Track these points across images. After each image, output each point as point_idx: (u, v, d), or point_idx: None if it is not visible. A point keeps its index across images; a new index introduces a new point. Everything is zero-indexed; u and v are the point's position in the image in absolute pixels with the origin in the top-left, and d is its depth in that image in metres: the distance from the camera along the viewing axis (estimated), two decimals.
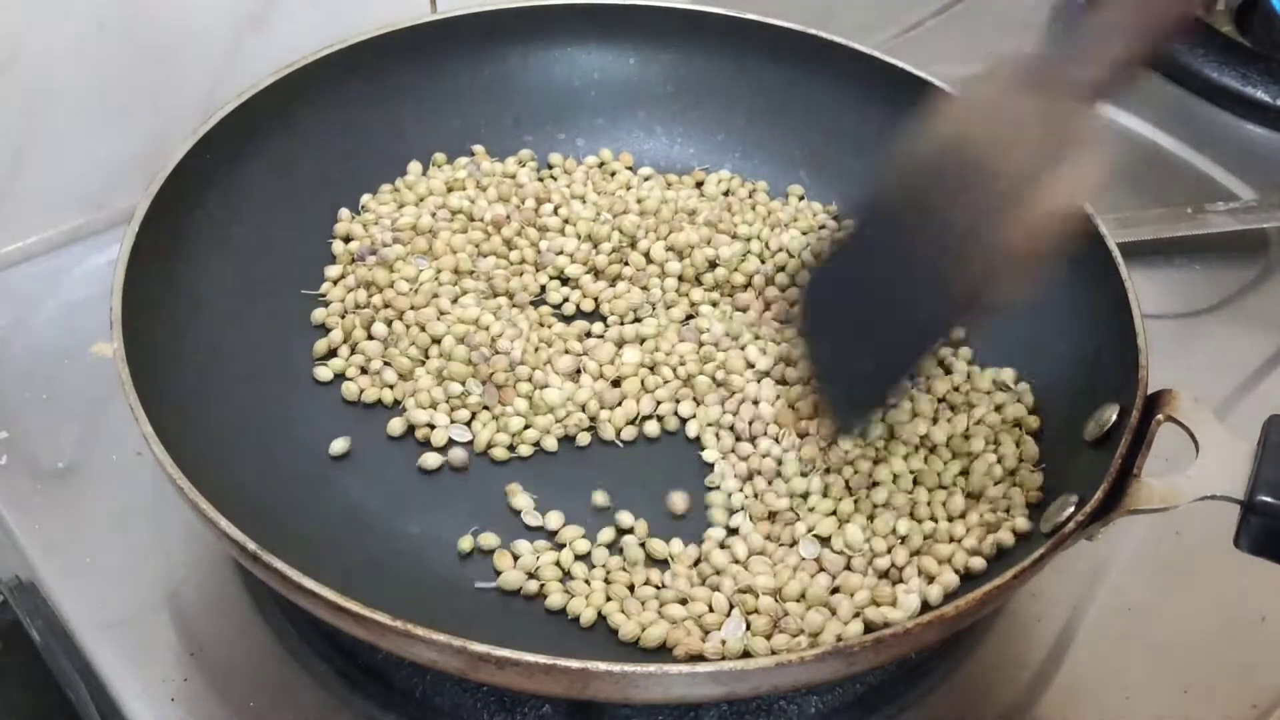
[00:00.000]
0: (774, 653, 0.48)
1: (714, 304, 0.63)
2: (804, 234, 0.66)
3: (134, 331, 0.52)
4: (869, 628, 0.50)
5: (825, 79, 0.68)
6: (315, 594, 0.44)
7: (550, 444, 0.58)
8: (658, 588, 0.52)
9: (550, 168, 0.70)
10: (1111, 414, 0.52)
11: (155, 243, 0.55)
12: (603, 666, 0.43)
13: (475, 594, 0.52)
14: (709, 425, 0.58)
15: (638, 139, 0.70)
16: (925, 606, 0.50)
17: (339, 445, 0.57)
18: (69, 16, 0.64)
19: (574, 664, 0.43)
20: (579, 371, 0.60)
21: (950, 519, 0.54)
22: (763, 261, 0.64)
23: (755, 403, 0.58)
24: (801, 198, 0.69)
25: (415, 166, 0.67)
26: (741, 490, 0.56)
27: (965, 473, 0.55)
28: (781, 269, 0.64)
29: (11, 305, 0.66)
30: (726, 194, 0.68)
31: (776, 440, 0.57)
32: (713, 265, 0.64)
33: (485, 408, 0.58)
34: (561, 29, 0.69)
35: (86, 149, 0.67)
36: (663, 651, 0.50)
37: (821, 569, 0.52)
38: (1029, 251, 0.41)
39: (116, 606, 0.54)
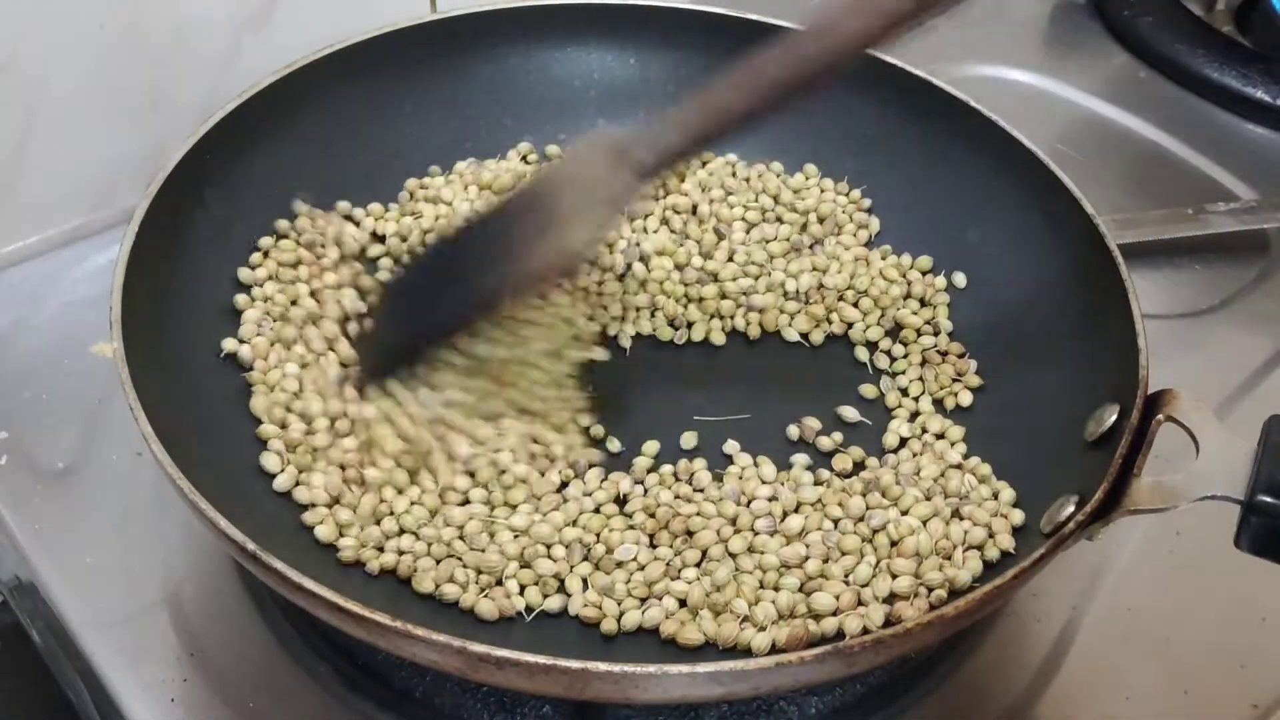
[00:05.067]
0: (777, 650, 0.48)
1: None
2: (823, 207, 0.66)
3: (134, 331, 0.52)
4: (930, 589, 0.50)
5: None
6: (315, 594, 0.44)
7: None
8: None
9: (548, 159, 0.69)
10: (1111, 414, 0.51)
11: (155, 243, 0.55)
12: (603, 667, 0.43)
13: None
14: None
15: None
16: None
17: None
18: (69, 16, 0.63)
19: (574, 664, 0.43)
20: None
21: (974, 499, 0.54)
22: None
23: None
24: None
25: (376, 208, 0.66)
26: None
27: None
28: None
29: (11, 305, 0.66)
30: (734, 175, 0.68)
31: None
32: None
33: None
34: (561, 29, 0.69)
35: (86, 149, 0.67)
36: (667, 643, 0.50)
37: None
38: (541, 270, 0.53)
39: (116, 606, 0.54)
